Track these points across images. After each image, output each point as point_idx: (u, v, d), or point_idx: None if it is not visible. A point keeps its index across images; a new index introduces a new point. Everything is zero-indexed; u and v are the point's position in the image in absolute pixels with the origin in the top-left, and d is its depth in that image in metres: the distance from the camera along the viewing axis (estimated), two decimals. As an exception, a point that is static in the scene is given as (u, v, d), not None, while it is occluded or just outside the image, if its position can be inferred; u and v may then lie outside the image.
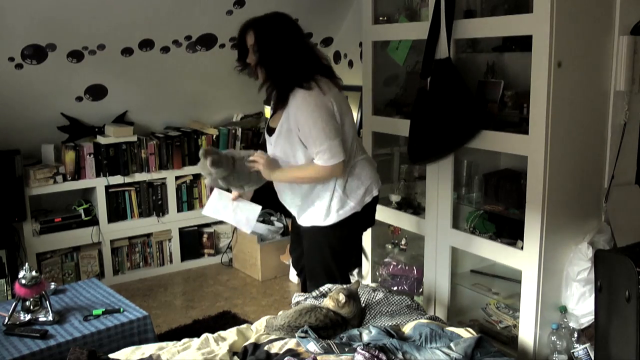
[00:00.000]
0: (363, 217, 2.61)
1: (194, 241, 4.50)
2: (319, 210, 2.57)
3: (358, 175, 2.56)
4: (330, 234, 2.58)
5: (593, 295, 2.53)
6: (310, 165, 2.47)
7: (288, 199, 2.68)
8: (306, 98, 2.40)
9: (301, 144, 2.46)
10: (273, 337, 2.37)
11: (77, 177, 3.99)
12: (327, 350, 2.14)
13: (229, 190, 2.73)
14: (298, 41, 2.47)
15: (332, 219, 2.56)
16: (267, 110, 4.22)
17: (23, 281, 2.60)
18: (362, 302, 2.68)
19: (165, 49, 3.90)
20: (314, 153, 2.43)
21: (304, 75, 2.43)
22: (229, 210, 2.73)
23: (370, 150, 3.39)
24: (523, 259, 2.64)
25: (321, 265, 2.68)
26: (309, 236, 2.68)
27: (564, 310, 2.65)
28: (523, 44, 2.68)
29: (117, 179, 4.11)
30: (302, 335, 2.26)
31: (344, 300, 2.44)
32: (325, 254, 2.64)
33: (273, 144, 2.56)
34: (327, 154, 2.40)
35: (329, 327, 2.36)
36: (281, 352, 2.21)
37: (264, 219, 4.50)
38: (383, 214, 3.41)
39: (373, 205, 2.65)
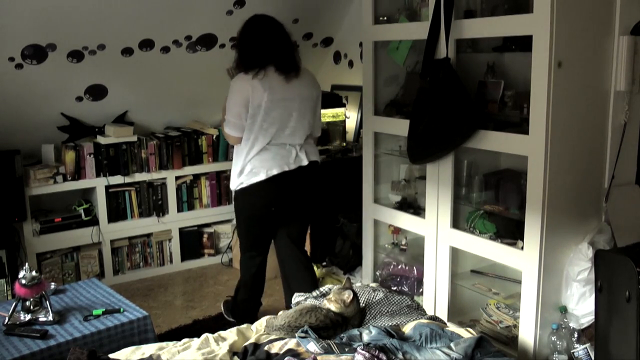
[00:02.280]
0: (251, 194, 3.09)
1: (194, 241, 4.50)
2: (232, 177, 3.16)
3: (258, 157, 3.03)
4: (235, 198, 3.22)
5: (593, 295, 2.53)
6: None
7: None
8: (237, 79, 3.00)
9: None
10: (273, 337, 2.38)
11: (77, 177, 3.99)
12: (327, 350, 2.14)
13: None
14: (256, 36, 2.99)
15: (233, 186, 3.16)
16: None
17: (23, 281, 2.60)
18: (362, 302, 2.69)
19: (165, 49, 3.90)
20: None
21: (253, 63, 2.96)
22: None
23: (371, 150, 3.40)
24: (523, 259, 2.64)
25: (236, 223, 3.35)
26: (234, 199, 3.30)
27: (564, 310, 2.65)
28: (523, 44, 2.68)
29: (117, 179, 4.11)
30: (303, 335, 2.26)
31: (350, 298, 2.44)
32: (236, 214, 3.28)
33: None
34: (226, 123, 3.06)
35: (329, 327, 2.36)
36: (281, 352, 2.21)
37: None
38: (383, 214, 3.41)
39: (260, 188, 3.05)
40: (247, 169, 3.06)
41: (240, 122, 3.00)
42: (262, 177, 3.03)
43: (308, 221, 3.42)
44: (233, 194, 3.26)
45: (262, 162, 3.03)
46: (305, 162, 3.09)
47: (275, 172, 3.04)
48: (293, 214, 3.24)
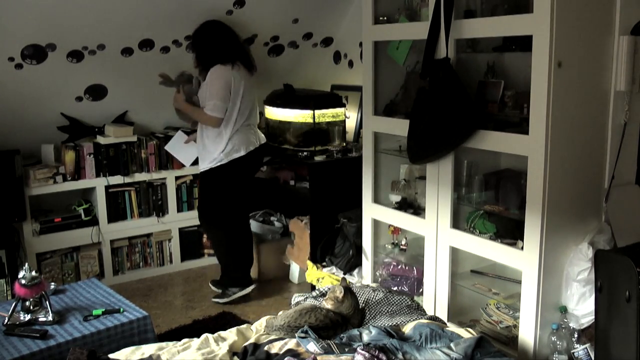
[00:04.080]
0: (232, 168, 3.65)
1: (194, 241, 4.50)
2: (208, 157, 3.66)
3: (235, 137, 3.61)
4: (211, 175, 3.69)
5: (593, 295, 2.53)
6: (201, 110, 3.60)
7: (199, 151, 3.79)
8: (218, 68, 3.52)
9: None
10: (273, 337, 2.38)
11: (77, 177, 3.99)
12: (327, 351, 2.15)
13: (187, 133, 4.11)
14: (219, 37, 3.58)
15: (208, 165, 3.67)
16: (267, 110, 4.23)
17: (23, 281, 2.60)
18: (362, 302, 2.69)
19: (165, 49, 3.90)
20: (206, 104, 3.56)
21: (223, 57, 3.54)
22: (179, 147, 4.13)
23: (370, 150, 3.40)
24: (523, 259, 2.64)
25: (208, 199, 3.78)
26: (202, 178, 3.78)
27: (564, 310, 2.65)
28: (523, 44, 2.67)
29: (117, 179, 4.11)
30: (302, 335, 2.26)
31: (342, 295, 2.45)
32: (210, 190, 3.74)
33: (199, 94, 3.68)
34: (210, 107, 3.52)
35: (329, 327, 2.36)
36: (281, 352, 2.21)
37: (264, 219, 4.50)
38: (383, 214, 3.41)
39: (241, 161, 3.65)
40: (228, 147, 3.60)
41: (224, 105, 3.52)
42: (242, 152, 3.64)
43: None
44: (207, 171, 3.68)
45: (240, 140, 3.63)
46: (264, 140, 3.82)
47: (251, 147, 3.68)
48: (250, 185, 3.88)
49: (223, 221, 3.79)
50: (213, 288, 4.02)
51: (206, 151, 3.67)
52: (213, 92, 3.51)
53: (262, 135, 3.85)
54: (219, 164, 3.62)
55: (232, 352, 2.31)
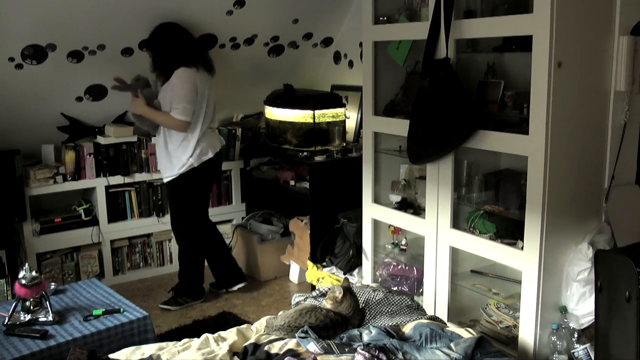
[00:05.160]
0: (202, 171, 3.62)
1: (194, 241, 4.50)
2: (177, 164, 3.57)
3: (202, 140, 3.57)
4: (181, 181, 3.61)
5: (593, 295, 2.53)
6: (166, 114, 3.50)
7: (160, 161, 3.72)
8: (184, 71, 3.45)
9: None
10: (273, 337, 2.38)
11: (77, 177, 3.99)
12: (327, 351, 2.15)
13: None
14: (185, 39, 3.55)
15: (178, 170, 3.57)
16: (267, 111, 4.23)
17: (23, 281, 2.60)
18: (362, 302, 2.69)
19: (165, 49, 3.90)
20: (172, 107, 3.46)
21: (187, 60, 3.48)
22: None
23: (370, 150, 3.40)
24: (523, 259, 2.64)
25: (180, 206, 3.73)
26: (170, 186, 3.69)
27: (564, 310, 2.66)
28: (523, 44, 2.67)
29: (117, 179, 4.11)
30: (302, 335, 2.26)
31: (341, 295, 2.46)
32: (182, 196, 3.68)
33: (160, 98, 3.59)
34: (179, 111, 3.44)
35: (329, 327, 2.36)
36: (281, 352, 2.22)
37: (264, 219, 4.50)
38: (383, 214, 3.41)
39: (210, 164, 3.64)
40: (197, 151, 3.55)
41: (192, 107, 3.47)
42: (210, 155, 3.62)
43: None
44: (176, 178, 3.60)
45: (208, 143, 3.62)
46: (224, 142, 3.92)
47: (217, 149, 3.70)
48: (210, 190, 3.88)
49: (198, 229, 3.80)
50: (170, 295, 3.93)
51: (172, 158, 3.58)
52: (182, 95, 3.42)
53: (221, 137, 3.99)
54: (189, 168, 3.56)
55: (232, 352, 2.31)
